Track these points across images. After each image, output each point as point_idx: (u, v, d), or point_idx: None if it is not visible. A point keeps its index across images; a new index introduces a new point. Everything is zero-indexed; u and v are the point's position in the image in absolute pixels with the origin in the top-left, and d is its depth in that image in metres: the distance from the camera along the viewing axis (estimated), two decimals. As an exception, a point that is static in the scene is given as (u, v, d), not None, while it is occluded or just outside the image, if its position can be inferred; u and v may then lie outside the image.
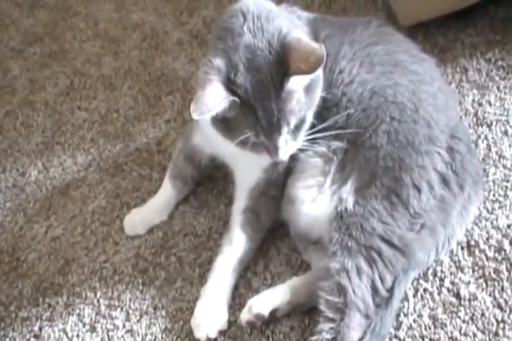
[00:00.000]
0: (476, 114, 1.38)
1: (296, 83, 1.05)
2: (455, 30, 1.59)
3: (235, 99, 1.03)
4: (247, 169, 1.24)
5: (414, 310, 1.10)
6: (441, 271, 1.14)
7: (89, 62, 1.88)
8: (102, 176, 1.55)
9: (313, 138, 1.15)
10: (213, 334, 1.17)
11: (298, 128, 1.11)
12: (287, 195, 1.21)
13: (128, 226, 1.38)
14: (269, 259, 1.26)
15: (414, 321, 1.09)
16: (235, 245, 1.23)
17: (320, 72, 1.10)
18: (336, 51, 1.21)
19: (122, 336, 1.23)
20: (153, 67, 1.79)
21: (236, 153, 1.18)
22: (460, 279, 1.12)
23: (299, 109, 1.08)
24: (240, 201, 1.26)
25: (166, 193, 1.39)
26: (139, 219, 1.38)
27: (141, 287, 1.30)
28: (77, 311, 1.29)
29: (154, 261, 1.33)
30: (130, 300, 1.28)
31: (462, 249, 1.16)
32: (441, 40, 1.58)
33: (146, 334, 1.22)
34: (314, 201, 1.17)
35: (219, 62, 1.05)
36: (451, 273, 1.13)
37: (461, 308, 1.08)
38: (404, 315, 1.10)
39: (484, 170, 1.28)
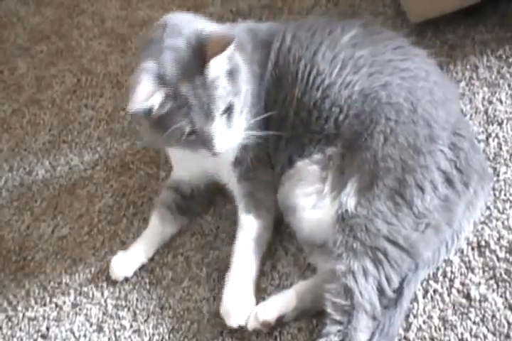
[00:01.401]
0: (486, 112, 1.36)
1: (217, 69, 1.15)
2: (465, 27, 1.57)
3: (168, 90, 1.13)
4: (223, 170, 1.30)
5: (424, 311, 1.09)
6: (451, 272, 1.12)
7: (95, 60, 1.88)
8: (108, 175, 1.55)
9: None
10: (243, 321, 1.15)
11: (229, 116, 1.17)
12: (288, 204, 1.22)
13: (115, 270, 1.31)
14: (277, 259, 1.25)
15: (424, 322, 1.08)
16: (246, 227, 1.23)
17: (239, 61, 1.20)
18: (313, 52, 1.23)
19: (129, 336, 1.22)
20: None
21: (208, 163, 1.28)
22: (470, 280, 1.10)
23: (226, 95, 1.16)
24: (235, 195, 1.29)
25: (151, 228, 1.35)
26: (127, 262, 1.31)
27: (148, 287, 1.29)
28: (85, 311, 1.29)
29: (161, 261, 1.33)
30: (137, 300, 1.27)
31: (472, 249, 1.14)
32: (451, 37, 1.56)
33: (153, 335, 1.21)
34: (315, 207, 1.18)
35: (147, 64, 1.15)
36: (461, 274, 1.11)
37: (472, 309, 1.07)
38: (414, 316, 1.08)
39: (495, 169, 1.26)
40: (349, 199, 1.12)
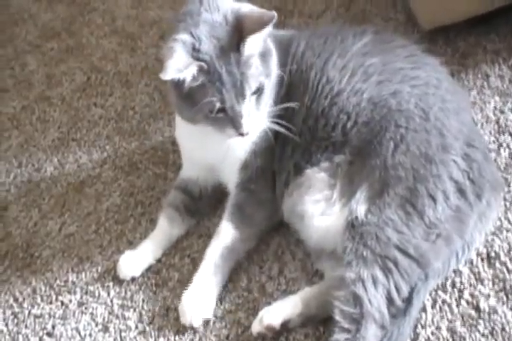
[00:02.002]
0: (497, 122, 1.36)
1: (251, 48, 1.14)
2: (477, 35, 1.57)
3: (202, 64, 1.12)
4: (228, 169, 1.29)
5: (432, 322, 1.09)
6: (461, 283, 1.12)
7: (105, 59, 1.88)
8: (116, 174, 1.55)
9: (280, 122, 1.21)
10: (197, 323, 1.19)
11: (259, 97, 1.18)
12: (296, 211, 1.22)
13: (123, 270, 1.31)
14: (284, 264, 1.25)
15: (432, 333, 1.07)
16: (222, 234, 1.25)
17: (272, 46, 1.21)
18: (324, 60, 1.24)
19: (135, 337, 1.22)
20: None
21: (217, 158, 1.28)
22: (480, 291, 1.10)
23: (258, 74, 1.16)
24: (229, 198, 1.30)
25: (159, 229, 1.36)
26: (135, 261, 1.32)
27: (154, 288, 1.29)
28: (90, 310, 1.29)
29: (168, 262, 1.33)
30: (143, 300, 1.27)
31: (482, 260, 1.14)
32: (463, 45, 1.56)
33: (158, 336, 1.21)
34: (324, 214, 1.18)
35: (182, 36, 1.14)
36: (470, 285, 1.11)
37: (481, 321, 1.07)
38: (422, 327, 1.08)
39: (506, 179, 1.26)
40: (359, 207, 1.12)
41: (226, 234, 1.25)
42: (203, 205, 1.38)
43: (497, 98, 1.42)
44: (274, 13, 1.12)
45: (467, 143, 1.16)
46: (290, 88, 1.26)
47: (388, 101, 1.17)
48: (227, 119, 1.16)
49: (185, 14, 1.18)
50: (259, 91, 1.17)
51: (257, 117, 1.19)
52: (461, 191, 1.12)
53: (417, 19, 1.60)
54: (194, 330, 1.20)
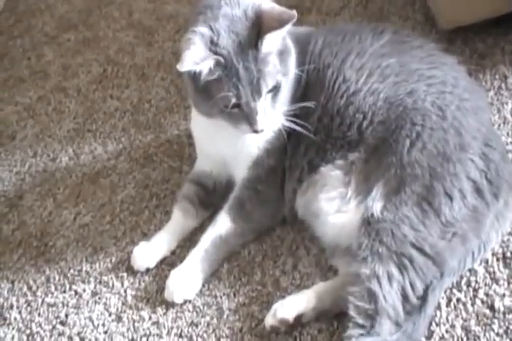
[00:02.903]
0: (515, 123, 1.37)
1: (270, 45, 1.14)
2: (495, 36, 1.57)
3: (219, 58, 1.12)
4: (239, 165, 1.30)
5: (447, 320, 1.09)
6: (476, 282, 1.12)
7: (122, 51, 1.89)
8: (132, 166, 1.56)
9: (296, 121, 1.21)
10: (178, 300, 1.23)
11: (275, 95, 1.18)
12: (311, 209, 1.23)
13: (137, 261, 1.31)
14: (299, 259, 1.26)
15: (447, 331, 1.08)
16: (218, 224, 1.28)
17: (290, 45, 1.21)
18: (342, 60, 1.23)
19: (148, 328, 1.23)
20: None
21: (230, 153, 1.29)
22: (495, 291, 1.10)
23: (276, 72, 1.16)
24: (234, 190, 1.31)
25: (174, 221, 1.37)
26: (149, 252, 1.32)
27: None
28: (104, 300, 1.29)
29: (182, 255, 1.33)
30: (157, 292, 1.28)
31: (498, 260, 1.14)
32: (481, 46, 1.56)
33: (172, 328, 1.22)
34: (339, 211, 1.19)
35: (201, 29, 1.14)
36: (485, 284, 1.11)
37: (495, 321, 1.07)
38: (437, 325, 1.08)
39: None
40: (375, 204, 1.12)
41: (222, 224, 1.27)
42: (216, 198, 1.38)
43: (515, 99, 1.42)
44: (295, 13, 1.12)
45: (485, 142, 1.16)
46: (307, 86, 1.26)
47: (404, 101, 1.17)
48: (243, 115, 1.17)
49: (205, 7, 1.18)
50: (275, 90, 1.17)
51: (273, 115, 1.19)
52: (478, 190, 1.12)
53: (435, 19, 1.60)
54: (207, 323, 1.21)
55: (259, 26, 1.13)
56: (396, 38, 1.27)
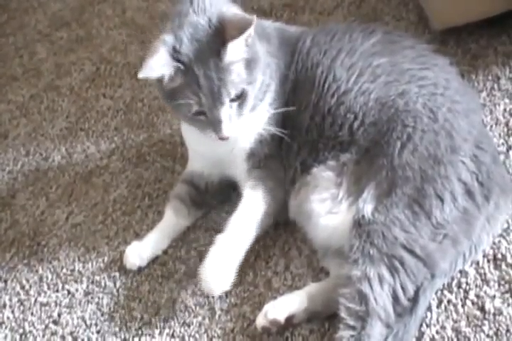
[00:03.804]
0: (507, 124, 1.37)
1: (234, 55, 1.15)
2: (488, 37, 1.57)
3: (179, 65, 1.14)
4: (235, 161, 1.29)
5: (438, 321, 1.09)
6: (466, 283, 1.13)
7: (115, 50, 1.88)
8: (124, 165, 1.55)
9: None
10: (217, 293, 1.17)
11: (241, 103, 1.18)
12: (303, 210, 1.23)
13: (129, 260, 1.31)
14: (290, 260, 1.26)
15: (437, 332, 1.08)
16: (249, 201, 1.24)
17: (260, 51, 1.20)
18: (332, 59, 1.23)
19: (140, 327, 1.23)
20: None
21: (221, 151, 1.28)
22: (485, 292, 1.11)
23: (239, 82, 1.16)
24: (243, 185, 1.28)
25: (166, 220, 1.36)
26: (141, 251, 1.32)
27: (160, 280, 1.30)
28: (96, 300, 1.30)
29: (174, 255, 1.33)
30: (149, 292, 1.28)
31: (488, 261, 1.14)
32: (474, 47, 1.56)
33: (164, 328, 1.22)
34: (330, 213, 1.19)
35: (166, 36, 1.16)
36: (476, 286, 1.12)
37: (486, 322, 1.07)
38: (427, 326, 1.09)
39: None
40: (366, 205, 1.12)
41: (254, 200, 1.23)
42: (209, 198, 1.39)
43: (507, 100, 1.42)
44: (253, 18, 1.12)
45: (476, 145, 1.16)
46: (296, 85, 1.26)
47: (396, 102, 1.17)
48: (208, 122, 1.18)
49: (174, 14, 1.19)
50: (240, 98, 1.18)
51: (239, 122, 1.20)
52: (469, 193, 1.12)
53: (428, 19, 1.60)
54: (199, 323, 1.21)
55: (222, 34, 1.14)
56: (387, 37, 1.27)
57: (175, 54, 1.14)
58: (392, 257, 1.08)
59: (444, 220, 1.10)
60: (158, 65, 1.12)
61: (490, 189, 1.14)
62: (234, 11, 1.18)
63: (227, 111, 1.17)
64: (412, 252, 1.08)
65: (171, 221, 1.36)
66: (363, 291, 1.06)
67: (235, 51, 1.14)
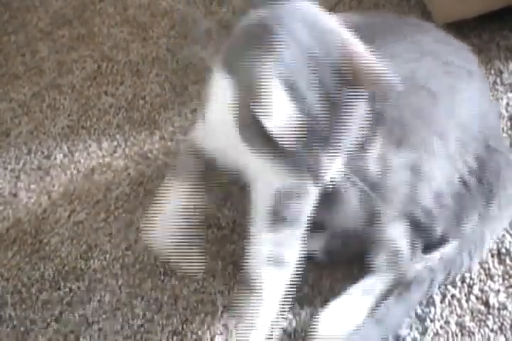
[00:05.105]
0: (510, 118, 1.36)
1: (355, 97, 0.95)
2: (490, 31, 1.57)
3: (296, 108, 0.90)
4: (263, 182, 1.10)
5: (442, 316, 1.09)
6: (470, 278, 1.13)
7: (117, 48, 1.88)
8: (126, 163, 1.55)
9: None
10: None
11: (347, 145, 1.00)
12: None
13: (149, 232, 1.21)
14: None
15: (441, 327, 1.08)
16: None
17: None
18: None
19: (142, 325, 1.23)
20: (181, 56, 1.78)
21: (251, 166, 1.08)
22: (489, 287, 1.10)
23: (354, 123, 0.97)
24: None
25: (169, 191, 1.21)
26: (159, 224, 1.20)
27: (162, 277, 1.29)
28: (98, 297, 1.29)
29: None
30: (151, 289, 1.28)
31: (492, 256, 1.14)
32: (476, 41, 1.55)
33: (166, 325, 1.22)
34: None
35: (276, 69, 0.90)
36: (480, 281, 1.12)
37: (490, 317, 1.07)
38: (431, 321, 1.09)
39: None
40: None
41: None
42: (217, 175, 1.18)
43: (510, 94, 1.41)
44: (395, 79, 0.89)
45: (486, 145, 1.12)
46: None
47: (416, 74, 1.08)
48: (305, 164, 0.95)
49: (268, 38, 0.91)
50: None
51: (337, 164, 1.00)
52: (467, 187, 1.10)
53: (430, 14, 1.59)
54: (202, 320, 1.21)
55: (348, 76, 0.91)
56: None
57: (291, 93, 0.89)
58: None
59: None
60: (284, 109, 0.88)
61: (493, 189, 1.12)
62: (360, 49, 0.93)
63: (332, 155, 0.97)
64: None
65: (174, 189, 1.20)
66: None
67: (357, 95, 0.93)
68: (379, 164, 1.07)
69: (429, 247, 1.12)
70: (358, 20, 1.14)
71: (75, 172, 1.57)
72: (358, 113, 0.95)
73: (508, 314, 1.06)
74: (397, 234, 1.09)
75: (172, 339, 1.20)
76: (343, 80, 0.90)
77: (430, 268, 1.11)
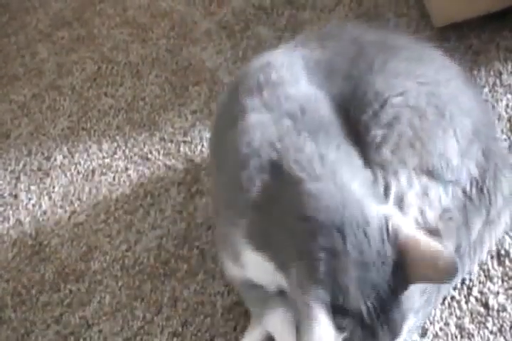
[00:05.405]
0: (509, 120, 1.36)
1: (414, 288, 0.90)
2: (490, 32, 1.56)
3: (346, 331, 0.84)
4: None
5: (441, 318, 1.09)
6: (470, 280, 1.12)
7: (116, 49, 1.88)
8: (126, 164, 1.55)
9: None
10: None
11: None
12: None
13: None
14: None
15: (441, 329, 1.08)
16: None
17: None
18: None
19: (142, 326, 1.23)
20: (181, 57, 1.78)
21: None
22: (489, 289, 1.10)
23: (416, 309, 0.95)
24: None
25: None
26: None
27: (162, 278, 1.29)
28: (98, 299, 1.29)
29: (176, 253, 1.33)
30: (151, 290, 1.28)
31: (492, 257, 1.14)
32: (475, 42, 1.55)
33: (166, 326, 1.22)
34: None
35: (321, 292, 0.83)
36: (479, 282, 1.11)
37: (489, 319, 1.07)
38: (430, 323, 1.08)
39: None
40: None
41: None
42: None
43: (509, 96, 1.41)
44: (454, 257, 0.86)
45: (482, 147, 1.11)
46: None
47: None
48: None
49: (323, 250, 0.86)
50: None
51: None
52: (470, 198, 1.09)
53: (430, 15, 1.59)
54: (201, 321, 1.21)
55: (402, 269, 0.85)
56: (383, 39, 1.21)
57: (337, 311, 0.82)
58: None
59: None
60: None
61: (491, 197, 1.10)
62: (412, 232, 0.88)
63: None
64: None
65: None
66: None
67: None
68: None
69: None
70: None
71: (75, 173, 1.57)
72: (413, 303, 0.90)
73: (507, 316, 1.06)
74: None
75: (172, 340, 1.20)
76: (399, 276, 0.85)
77: None
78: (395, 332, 0.87)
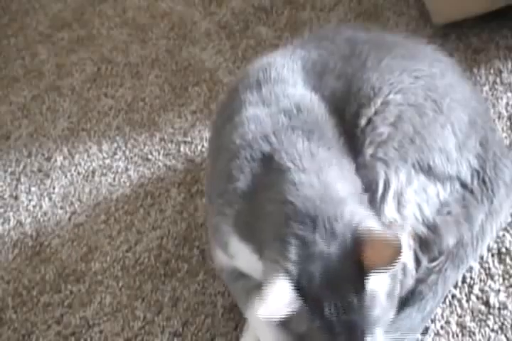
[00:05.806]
0: (510, 118, 1.36)
1: (377, 285, 0.91)
2: (489, 30, 1.56)
3: (306, 306, 0.88)
4: None
5: (442, 316, 1.09)
6: (471, 278, 1.12)
7: (116, 50, 1.88)
8: (126, 164, 1.55)
9: None
10: None
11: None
12: None
13: None
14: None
15: (442, 327, 1.08)
16: None
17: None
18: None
19: (143, 327, 1.23)
20: (181, 57, 1.78)
21: None
22: (490, 287, 1.10)
23: (384, 314, 0.92)
24: None
25: None
26: None
27: (162, 278, 1.29)
28: (99, 299, 1.29)
29: (177, 253, 1.33)
30: (152, 291, 1.28)
31: (492, 255, 1.14)
32: (475, 41, 1.55)
33: (166, 326, 1.22)
34: None
35: (289, 267, 0.89)
36: (480, 280, 1.11)
37: (490, 317, 1.07)
38: (432, 321, 1.08)
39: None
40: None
41: None
42: None
43: (509, 94, 1.41)
44: (400, 244, 0.86)
45: (480, 139, 1.12)
46: None
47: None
48: None
49: (290, 235, 0.91)
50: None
51: None
52: (471, 191, 1.10)
53: (429, 14, 1.59)
54: (202, 321, 1.20)
55: (360, 263, 0.88)
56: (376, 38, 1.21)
57: (300, 291, 0.87)
58: None
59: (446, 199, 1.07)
60: (281, 304, 0.86)
61: (494, 187, 1.11)
62: (370, 225, 0.92)
63: None
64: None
65: None
66: None
67: (379, 282, 0.91)
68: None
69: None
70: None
71: (75, 174, 1.57)
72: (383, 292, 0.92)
73: (508, 313, 1.06)
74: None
75: (172, 340, 1.20)
76: (359, 269, 0.88)
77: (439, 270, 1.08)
78: (354, 336, 0.88)
